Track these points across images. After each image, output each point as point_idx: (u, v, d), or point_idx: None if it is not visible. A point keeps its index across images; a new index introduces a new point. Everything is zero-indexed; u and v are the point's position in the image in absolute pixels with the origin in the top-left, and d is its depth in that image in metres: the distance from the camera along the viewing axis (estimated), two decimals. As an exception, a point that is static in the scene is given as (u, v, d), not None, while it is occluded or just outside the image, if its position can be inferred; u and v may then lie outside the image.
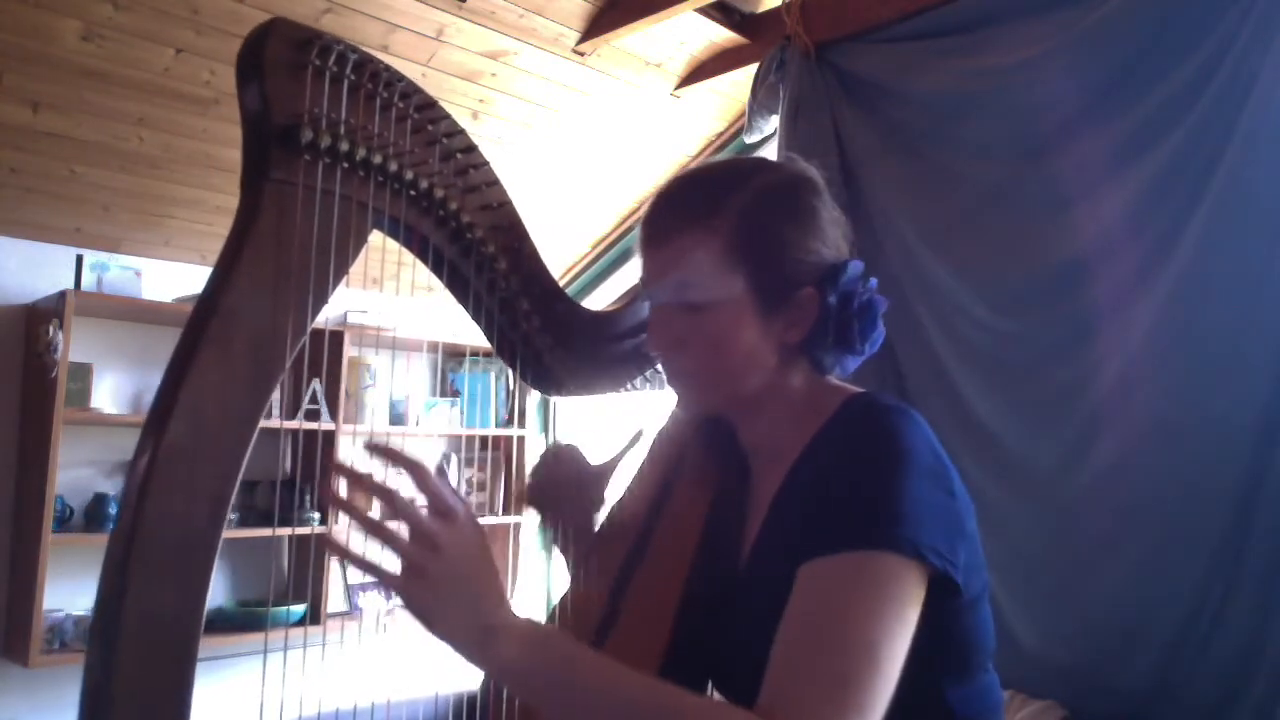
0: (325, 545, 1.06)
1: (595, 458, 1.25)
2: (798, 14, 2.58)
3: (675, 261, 0.97)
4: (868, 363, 1.04)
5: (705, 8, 2.69)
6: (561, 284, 1.90)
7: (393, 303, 3.45)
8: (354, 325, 3.36)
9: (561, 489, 1.22)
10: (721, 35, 2.90)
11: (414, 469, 0.81)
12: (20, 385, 2.92)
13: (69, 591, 2.76)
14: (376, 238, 0.98)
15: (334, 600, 3.37)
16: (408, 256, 1.03)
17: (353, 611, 3.43)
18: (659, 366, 1.15)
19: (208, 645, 0.91)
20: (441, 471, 0.83)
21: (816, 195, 1.01)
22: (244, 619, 3.02)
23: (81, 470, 2.94)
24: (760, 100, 2.64)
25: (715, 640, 0.98)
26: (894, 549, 0.82)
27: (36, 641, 2.69)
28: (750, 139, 2.79)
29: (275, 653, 0.91)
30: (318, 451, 3.27)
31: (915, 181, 2.41)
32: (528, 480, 1.25)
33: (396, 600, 0.82)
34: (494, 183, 1.05)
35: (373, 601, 3.46)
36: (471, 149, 1.03)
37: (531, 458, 3.63)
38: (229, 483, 0.83)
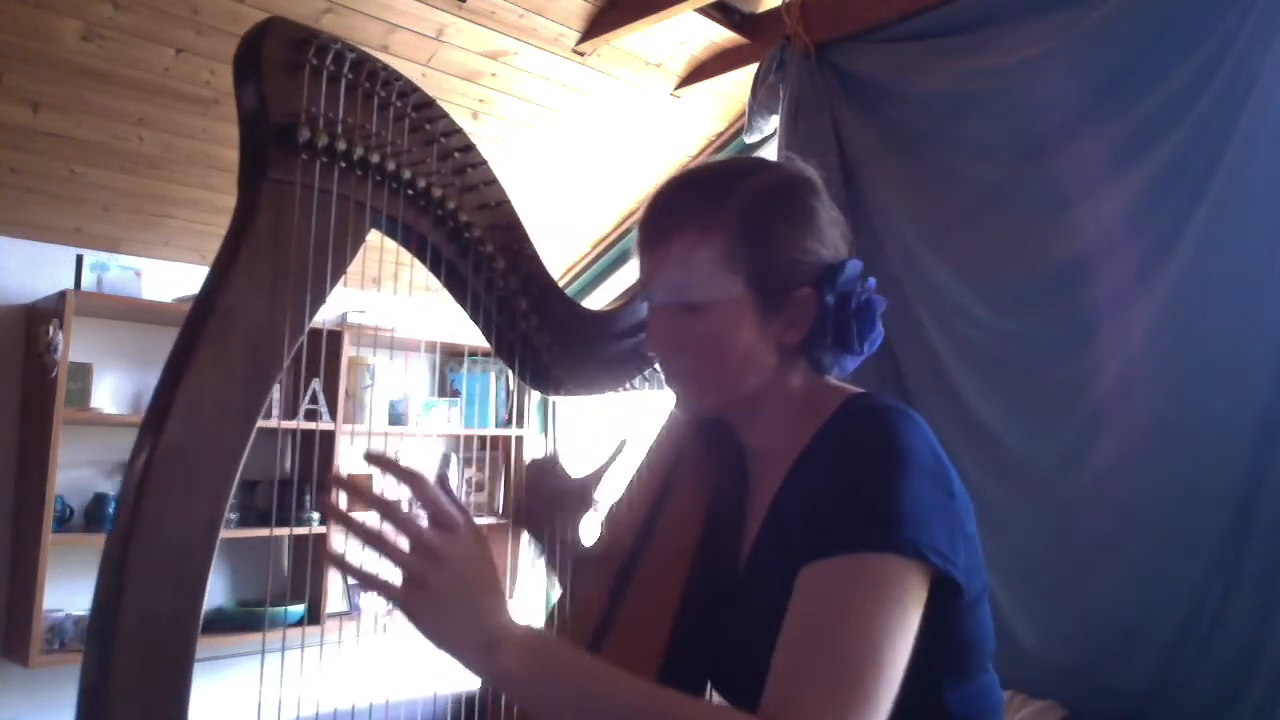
0: (326, 557, 1.06)
1: (581, 468, 1.25)
2: (798, 14, 2.57)
3: (673, 262, 0.97)
4: (868, 363, 1.04)
5: (705, 8, 2.69)
6: (561, 284, 1.90)
7: (392, 302, 3.45)
8: (353, 325, 3.36)
9: (548, 502, 1.22)
10: (721, 35, 2.89)
11: (412, 480, 0.80)
12: (20, 385, 2.92)
13: (69, 591, 2.76)
14: (376, 238, 0.98)
15: (333, 600, 3.36)
16: (406, 256, 1.03)
17: (352, 611, 3.43)
18: (658, 366, 1.15)
19: (207, 645, 0.90)
20: (444, 478, 0.83)
21: (814, 195, 1.01)
22: (243, 619, 3.02)
23: (81, 470, 2.94)
24: (760, 100, 2.64)
25: (715, 641, 0.98)
26: (895, 550, 0.82)
27: (36, 641, 2.68)
28: (750, 139, 2.79)
29: (274, 653, 0.91)
30: (316, 451, 3.28)
31: (915, 181, 2.41)
32: (513, 502, 1.24)
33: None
34: (492, 182, 1.05)
35: (372, 602, 3.46)
36: (469, 148, 1.03)
37: (531, 458, 3.63)
38: (227, 482, 0.82)
